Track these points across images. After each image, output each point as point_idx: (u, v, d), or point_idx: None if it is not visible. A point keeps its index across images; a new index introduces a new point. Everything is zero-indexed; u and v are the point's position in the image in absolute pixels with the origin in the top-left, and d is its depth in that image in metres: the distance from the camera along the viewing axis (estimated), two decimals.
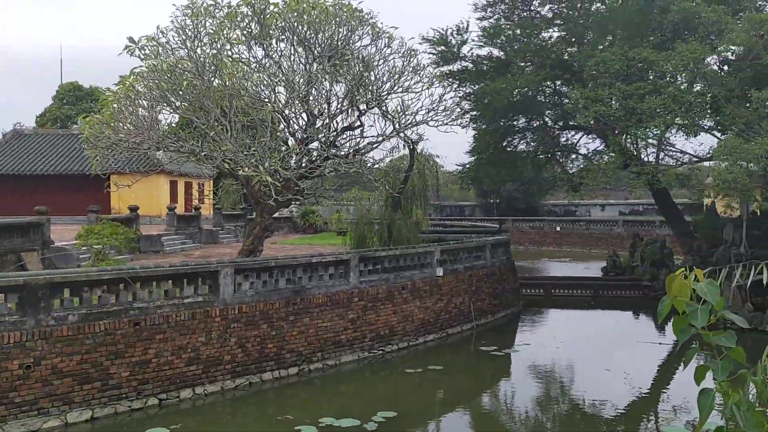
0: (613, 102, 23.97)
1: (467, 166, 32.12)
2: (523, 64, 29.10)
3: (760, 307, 24.99)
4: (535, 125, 30.66)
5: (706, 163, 28.28)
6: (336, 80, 25.62)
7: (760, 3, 26.59)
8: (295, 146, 20.13)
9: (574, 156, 33.69)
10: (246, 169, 17.32)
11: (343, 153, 22.17)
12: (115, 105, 17.88)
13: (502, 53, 29.80)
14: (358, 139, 23.23)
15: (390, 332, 20.56)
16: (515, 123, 30.45)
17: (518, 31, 30.36)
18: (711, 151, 24.85)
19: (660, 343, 22.40)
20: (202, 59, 17.59)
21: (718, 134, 26.20)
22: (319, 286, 18.62)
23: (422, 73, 25.97)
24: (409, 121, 26.33)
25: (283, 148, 20.22)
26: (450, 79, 30.21)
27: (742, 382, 3.39)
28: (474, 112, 30.59)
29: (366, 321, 19.84)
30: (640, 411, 16.20)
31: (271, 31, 19.54)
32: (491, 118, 28.42)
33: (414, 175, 28.86)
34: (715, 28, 23.88)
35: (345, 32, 23.52)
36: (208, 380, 15.64)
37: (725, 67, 25.83)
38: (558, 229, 62.84)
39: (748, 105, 22.26)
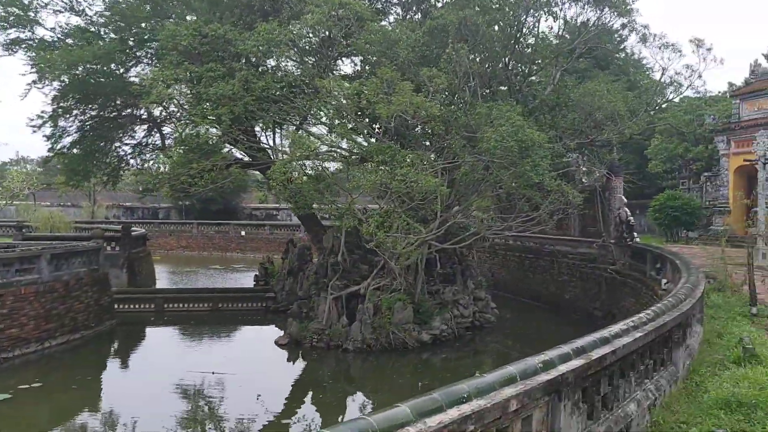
0: (182, 86, 20.26)
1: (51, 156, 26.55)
2: (106, 35, 24.31)
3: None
4: (127, 112, 26.12)
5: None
6: None
7: None
8: None
9: None
10: None
11: None
12: None
13: (83, 21, 24.74)
14: None
15: None
16: (110, 106, 25.64)
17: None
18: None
19: (213, 372, 18.98)
20: None
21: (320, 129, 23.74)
22: None
23: None
24: None
25: None
26: (18, 48, 24.42)
27: None
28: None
29: None
30: None
31: None
32: (62, 97, 23.27)
33: None
34: (299, 9, 21.33)
35: None
36: None
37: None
38: (243, 233, 59.37)
39: (309, 91, 19.91)
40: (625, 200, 26.93)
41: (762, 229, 23.89)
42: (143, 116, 27.31)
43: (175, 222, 66.70)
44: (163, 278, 41.44)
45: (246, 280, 39.08)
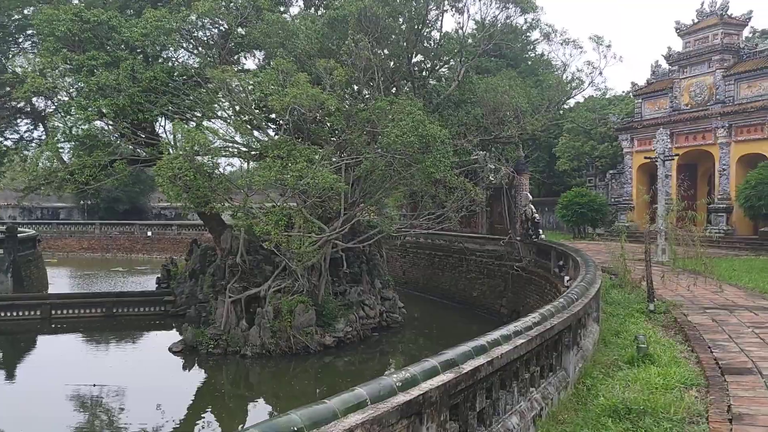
0: (67, 77, 18.70)
1: None
2: None
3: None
4: (8, 105, 24.13)
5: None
6: None
7: None
8: None
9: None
10: None
11: None
12: None
13: None
14: None
15: None
16: None
17: None
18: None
19: (95, 385, 17.54)
20: None
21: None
22: None
23: None
24: None
25: None
26: None
27: None
28: None
29: None
30: None
31: None
32: None
33: None
34: None
35: None
36: None
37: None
38: (149, 234, 56.84)
39: (209, 85, 18.73)
40: (531, 197, 26.94)
41: (660, 225, 24.29)
42: (26, 109, 25.29)
43: (76, 222, 63.32)
44: (58, 282, 38.98)
45: (149, 282, 37.15)
